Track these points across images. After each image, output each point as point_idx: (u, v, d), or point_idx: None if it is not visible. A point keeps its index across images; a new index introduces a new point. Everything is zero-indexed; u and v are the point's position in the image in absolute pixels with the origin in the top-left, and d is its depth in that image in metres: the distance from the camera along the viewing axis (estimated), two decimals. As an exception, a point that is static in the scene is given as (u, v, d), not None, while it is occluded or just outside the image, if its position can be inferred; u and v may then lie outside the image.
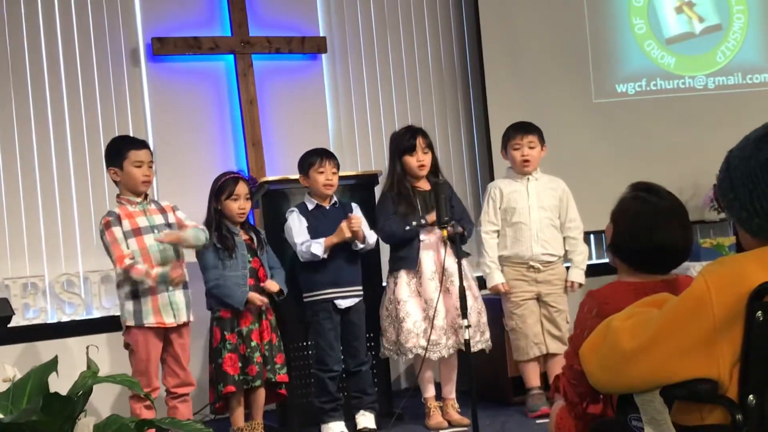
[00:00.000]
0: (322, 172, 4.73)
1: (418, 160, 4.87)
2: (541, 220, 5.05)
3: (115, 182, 4.46)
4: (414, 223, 4.77)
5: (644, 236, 2.48)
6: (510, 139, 5.12)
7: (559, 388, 2.54)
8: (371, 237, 4.78)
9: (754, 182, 1.89)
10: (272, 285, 4.69)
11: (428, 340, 4.68)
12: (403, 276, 4.82)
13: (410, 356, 4.81)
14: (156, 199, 4.84)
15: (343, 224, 4.65)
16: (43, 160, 5.33)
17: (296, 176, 4.85)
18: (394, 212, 4.83)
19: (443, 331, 4.73)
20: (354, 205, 4.90)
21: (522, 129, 5.13)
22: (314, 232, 4.70)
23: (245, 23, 5.72)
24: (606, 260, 4.36)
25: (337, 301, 4.72)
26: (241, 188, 4.68)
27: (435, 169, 4.97)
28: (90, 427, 2.49)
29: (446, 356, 4.79)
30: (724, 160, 2.00)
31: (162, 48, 5.52)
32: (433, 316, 4.69)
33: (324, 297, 4.71)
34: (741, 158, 1.93)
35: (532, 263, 5.03)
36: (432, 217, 4.67)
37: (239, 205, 4.66)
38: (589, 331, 2.34)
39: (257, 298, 4.62)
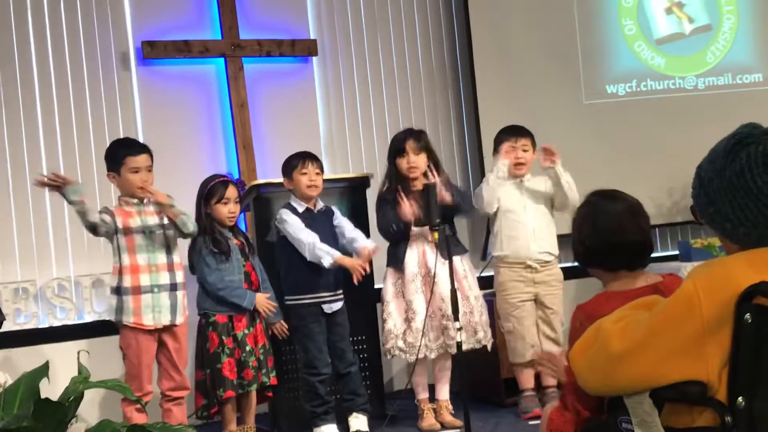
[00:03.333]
0: (305, 174, 4.70)
1: (408, 162, 4.86)
2: (537, 219, 5.06)
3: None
4: (393, 227, 4.78)
5: (609, 239, 2.52)
6: (502, 142, 5.12)
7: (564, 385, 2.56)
8: (370, 243, 4.75)
9: (733, 192, 1.90)
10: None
11: (409, 343, 4.72)
12: (390, 275, 4.86)
13: (389, 357, 4.87)
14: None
15: (358, 263, 4.57)
16: (34, 164, 5.31)
17: (287, 179, 4.84)
18: (390, 210, 4.84)
19: (420, 333, 4.72)
20: (335, 209, 4.87)
21: (515, 132, 5.13)
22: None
23: (236, 26, 5.72)
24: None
25: (323, 306, 4.70)
26: (231, 192, 4.65)
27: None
28: (81, 433, 2.49)
29: (432, 357, 4.80)
30: (694, 176, 2.01)
31: (152, 51, 5.51)
32: (412, 318, 4.72)
33: (311, 301, 4.70)
34: (714, 171, 1.94)
35: (529, 262, 5.02)
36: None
37: (229, 208, 4.63)
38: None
39: (263, 305, 4.62)
